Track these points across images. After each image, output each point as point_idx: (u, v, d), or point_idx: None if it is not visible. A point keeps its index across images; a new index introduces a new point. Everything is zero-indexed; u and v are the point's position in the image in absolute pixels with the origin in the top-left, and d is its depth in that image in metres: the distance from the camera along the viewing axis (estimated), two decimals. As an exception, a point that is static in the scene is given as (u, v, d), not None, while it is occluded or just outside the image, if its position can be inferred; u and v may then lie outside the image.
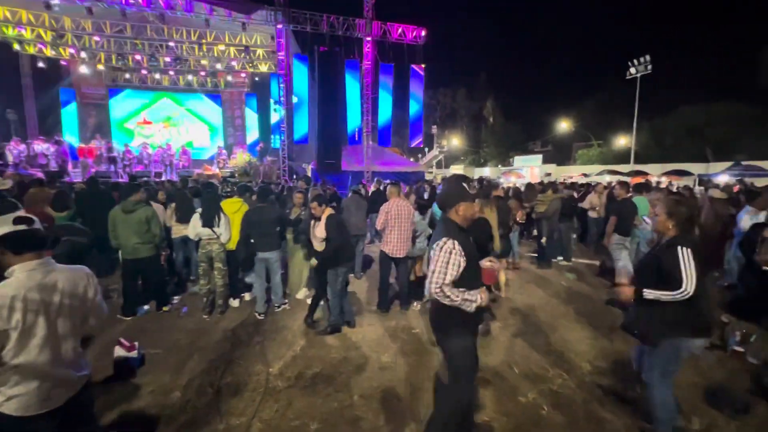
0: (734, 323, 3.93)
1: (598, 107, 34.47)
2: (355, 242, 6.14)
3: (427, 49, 16.44)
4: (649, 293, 2.20)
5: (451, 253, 2.03)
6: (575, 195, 8.85)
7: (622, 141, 29.86)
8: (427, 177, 21.15)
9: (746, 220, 4.96)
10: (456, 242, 2.06)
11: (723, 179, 15.71)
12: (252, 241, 4.42)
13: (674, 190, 9.19)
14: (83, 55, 15.84)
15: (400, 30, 15.39)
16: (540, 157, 31.94)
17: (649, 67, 23.12)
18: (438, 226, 2.29)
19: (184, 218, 5.00)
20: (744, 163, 17.27)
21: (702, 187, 14.13)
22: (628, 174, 19.51)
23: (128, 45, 16.07)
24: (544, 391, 3.07)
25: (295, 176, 13.94)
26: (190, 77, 19.07)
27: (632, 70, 23.99)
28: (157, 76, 18.38)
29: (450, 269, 2.04)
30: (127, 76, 18.26)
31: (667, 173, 19.28)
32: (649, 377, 2.34)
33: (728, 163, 18.02)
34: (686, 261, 2.13)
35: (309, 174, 15.99)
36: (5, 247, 1.56)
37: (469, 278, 2.11)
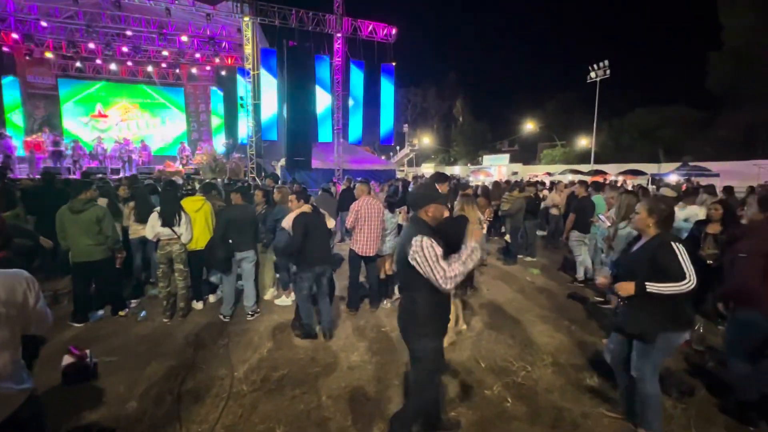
0: (681, 313, 4.23)
1: (562, 109, 36.02)
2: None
3: (398, 48, 16.54)
4: (651, 286, 2.19)
5: (432, 246, 2.02)
6: (547, 193, 9.27)
7: (584, 142, 31.32)
8: (399, 175, 21.25)
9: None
10: (428, 237, 2.06)
11: (673, 178, 16.84)
12: (230, 241, 4.26)
13: (629, 189, 9.73)
14: (28, 41, 14.65)
15: (370, 27, 15.33)
16: (507, 156, 32.96)
17: (608, 71, 24.39)
18: (408, 226, 2.28)
19: (142, 218, 4.74)
20: (691, 163, 18.60)
21: (654, 186, 15.09)
22: (589, 173, 20.46)
23: (80, 32, 15.03)
24: (509, 383, 3.16)
25: (263, 174, 13.60)
26: (150, 68, 18.10)
27: (592, 74, 25.21)
28: (114, 66, 17.30)
29: (440, 258, 2.02)
30: (80, 65, 17.05)
31: (624, 173, 20.40)
32: (642, 373, 2.39)
33: (677, 164, 19.35)
34: (684, 255, 2.19)
35: (278, 172, 15.65)
36: None
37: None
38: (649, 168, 21.25)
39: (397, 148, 35.65)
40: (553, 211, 8.24)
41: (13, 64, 15.78)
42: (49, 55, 15.98)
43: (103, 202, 4.78)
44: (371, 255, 4.56)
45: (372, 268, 4.72)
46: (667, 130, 27.21)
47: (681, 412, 2.81)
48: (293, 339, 3.92)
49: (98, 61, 16.98)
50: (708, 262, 4.16)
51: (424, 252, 2.02)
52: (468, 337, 3.99)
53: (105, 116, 18.08)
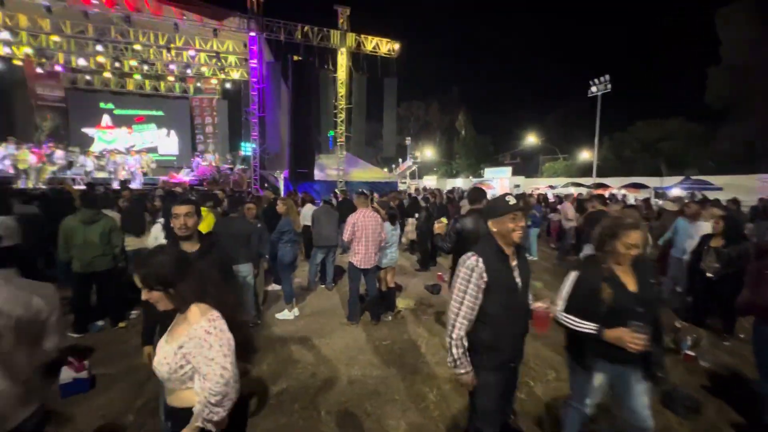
0: (685, 328, 4.16)
1: (563, 122, 36.27)
2: (326, 253, 6.08)
3: (401, 62, 16.73)
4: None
5: (467, 272, 1.84)
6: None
7: (585, 154, 31.39)
8: (401, 187, 21.33)
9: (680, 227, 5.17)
10: (477, 257, 1.86)
11: (676, 192, 16.80)
12: None
13: (632, 202, 9.71)
14: (39, 55, 15.00)
15: (374, 42, 15.60)
16: (509, 169, 32.98)
17: (609, 86, 24.58)
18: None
19: (132, 228, 4.78)
20: (693, 177, 18.58)
21: (658, 200, 15.06)
22: (591, 186, 20.46)
23: (90, 46, 15.36)
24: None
25: (266, 185, 13.70)
26: (156, 82, 18.44)
27: (593, 88, 25.40)
28: (121, 79, 17.65)
29: (467, 299, 1.83)
30: (89, 78, 17.40)
31: (626, 186, 20.39)
32: None
33: (680, 177, 19.34)
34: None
35: (281, 183, 15.76)
36: None
37: (492, 308, 1.87)
38: (652, 181, 21.21)
39: (400, 160, 35.89)
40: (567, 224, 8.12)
41: (24, 76, 16.12)
42: (58, 68, 16.33)
43: (112, 213, 4.84)
44: (369, 267, 4.54)
45: (371, 280, 4.70)
46: (668, 144, 27.22)
47: (689, 429, 2.75)
48: (293, 353, 3.88)
49: (106, 75, 17.31)
50: (708, 275, 4.12)
51: (458, 272, 1.89)
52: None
53: (111, 128, 18.36)
